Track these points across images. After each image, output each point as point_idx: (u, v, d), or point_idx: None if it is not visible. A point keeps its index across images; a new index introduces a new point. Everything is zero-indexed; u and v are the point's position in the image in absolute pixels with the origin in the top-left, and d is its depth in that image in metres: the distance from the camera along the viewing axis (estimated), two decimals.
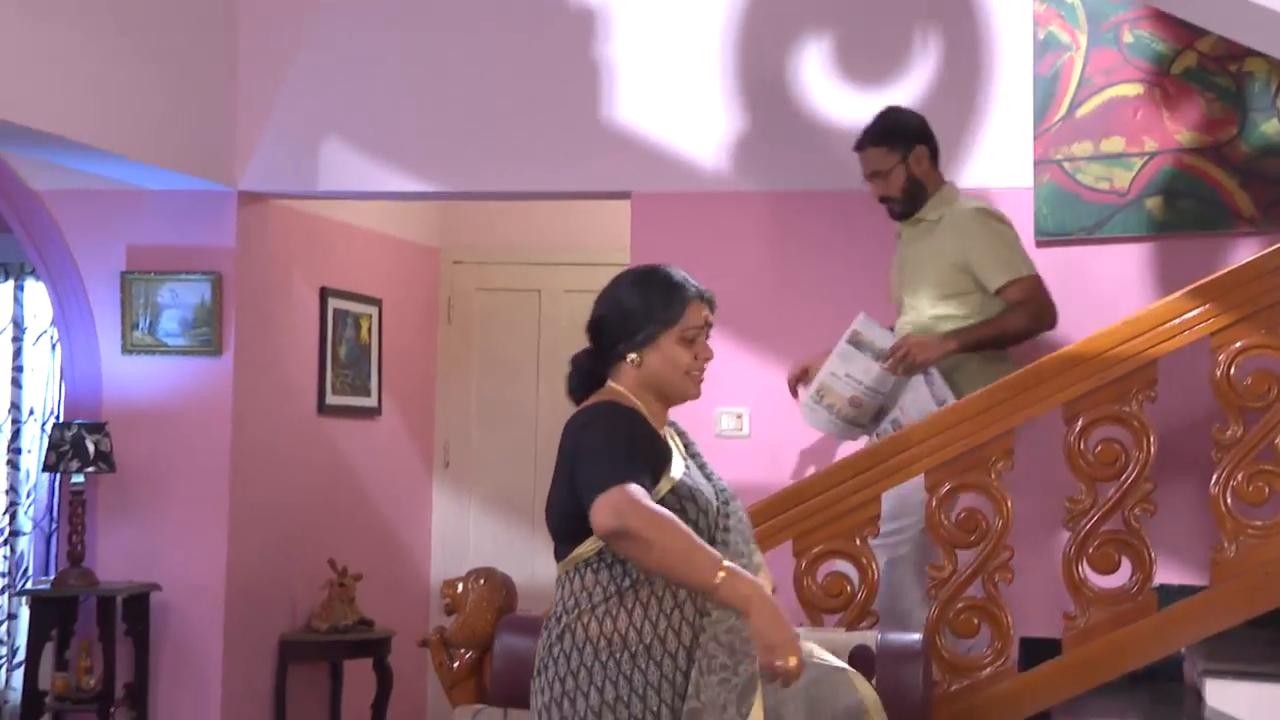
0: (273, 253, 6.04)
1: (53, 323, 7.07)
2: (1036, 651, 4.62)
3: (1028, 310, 4.70)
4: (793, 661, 2.91)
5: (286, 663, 6.07)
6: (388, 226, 6.88)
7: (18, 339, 7.40)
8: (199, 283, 5.74)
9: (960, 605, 4.40)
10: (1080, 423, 4.36)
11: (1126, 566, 4.37)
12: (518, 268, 7.38)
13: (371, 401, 6.73)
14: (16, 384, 7.43)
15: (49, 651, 5.76)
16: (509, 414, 7.30)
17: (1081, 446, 4.36)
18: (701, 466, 3.29)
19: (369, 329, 6.70)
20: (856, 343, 4.74)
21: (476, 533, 7.30)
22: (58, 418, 7.07)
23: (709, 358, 3.23)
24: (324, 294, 6.37)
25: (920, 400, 4.69)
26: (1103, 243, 5.26)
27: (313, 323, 6.32)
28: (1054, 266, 5.22)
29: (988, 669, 4.38)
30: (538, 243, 7.28)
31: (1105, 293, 5.13)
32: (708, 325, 3.21)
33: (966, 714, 4.31)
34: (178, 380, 5.77)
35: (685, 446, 3.30)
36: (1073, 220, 5.26)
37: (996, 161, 5.32)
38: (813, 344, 5.42)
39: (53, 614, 5.71)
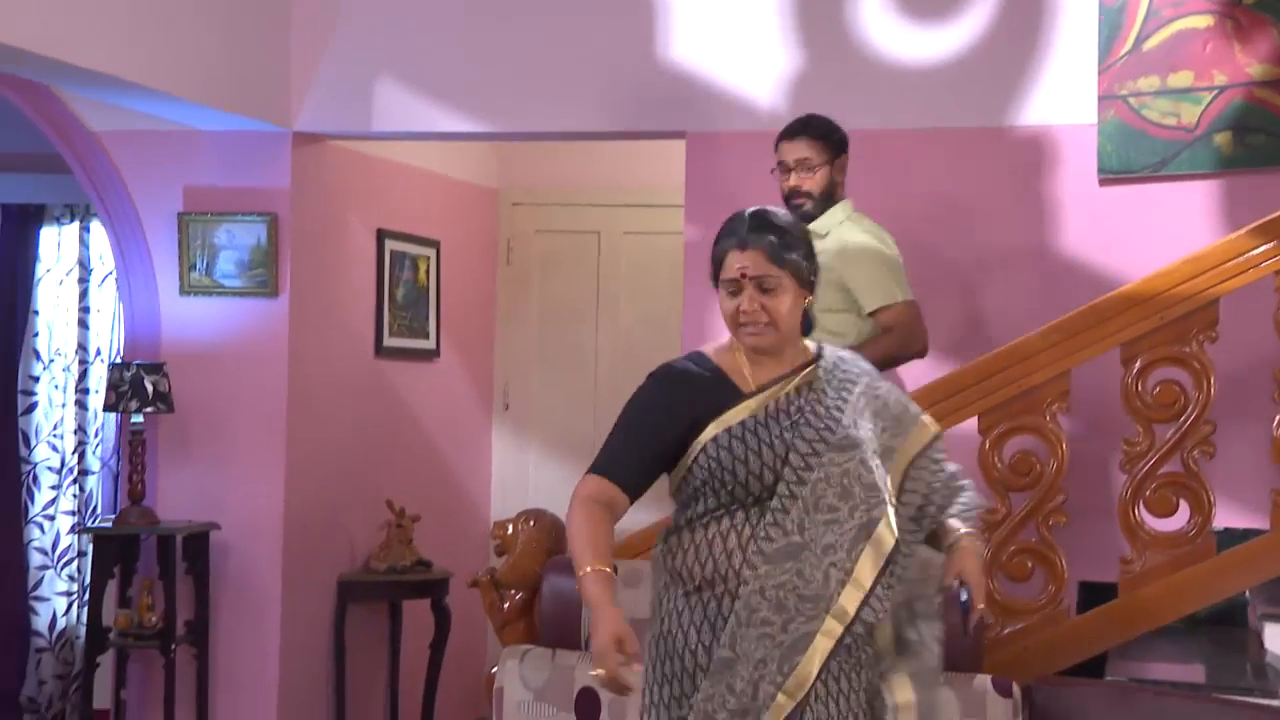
0: (328, 194, 6.05)
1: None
2: (1094, 596, 4.58)
3: (896, 337, 4.50)
4: (600, 673, 2.85)
5: (345, 603, 6.12)
6: (445, 168, 6.87)
7: (84, 280, 7.46)
8: (255, 224, 5.77)
9: (1013, 549, 4.37)
10: (1138, 364, 4.31)
11: (1185, 510, 4.33)
12: (577, 209, 7.36)
13: (429, 344, 6.75)
14: (84, 325, 7.50)
15: (112, 588, 5.84)
16: (568, 357, 7.31)
17: (1139, 388, 4.31)
18: (806, 419, 3.12)
19: (427, 271, 6.71)
20: None
21: (536, 475, 7.32)
22: (119, 358, 7.15)
23: (748, 309, 3.11)
24: (381, 236, 6.38)
25: None
26: (1168, 180, 5.15)
27: (369, 265, 6.33)
28: (1117, 206, 5.14)
29: (1042, 612, 4.35)
30: (597, 184, 7.25)
31: (1170, 232, 5.03)
32: (744, 276, 3.11)
33: (1020, 658, 4.29)
34: (235, 321, 5.81)
35: (815, 396, 3.15)
36: (1137, 158, 5.16)
37: (1059, 98, 5.22)
38: None
39: (115, 552, 5.78)
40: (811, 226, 4.51)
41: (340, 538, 6.18)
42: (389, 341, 6.44)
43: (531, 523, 4.56)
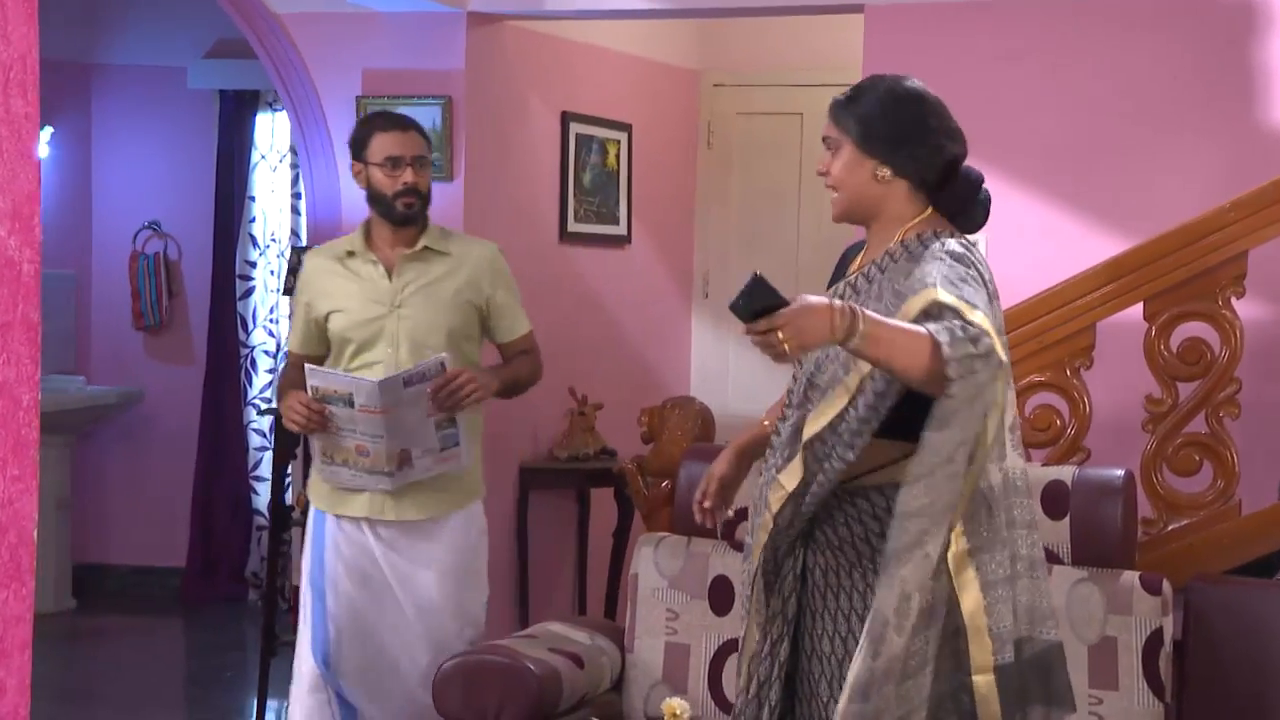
0: (507, 76, 6.07)
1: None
2: None
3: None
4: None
5: (527, 490, 6.22)
6: (639, 48, 6.83)
7: (296, 166, 7.67)
8: (430, 107, 5.83)
9: (1180, 441, 4.19)
10: None
11: None
12: (780, 90, 7.25)
13: (620, 229, 6.76)
14: (295, 211, 7.73)
15: (296, 469, 6.04)
16: (770, 242, 7.23)
17: None
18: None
19: (617, 155, 6.70)
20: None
21: (736, 364, 7.29)
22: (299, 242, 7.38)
23: (821, 172, 3.11)
24: (565, 118, 6.39)
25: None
26: None
27: (553, 148, 6.35)
28: None
29: (1209, 508, 4.17)
30: (800, 64, 7.12)
31: None
32: (825, 138, 3.10)
33: (1185, 553, 4.13)
34: None
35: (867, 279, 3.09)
36: None
37: None
38: (1052, 164, 5.20)
39: (295, 434, 5.97)
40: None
41: (523, 425, 6.25)
42: (574, 227, 6.47)
43: (678, 410, 4.56)
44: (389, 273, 4.17)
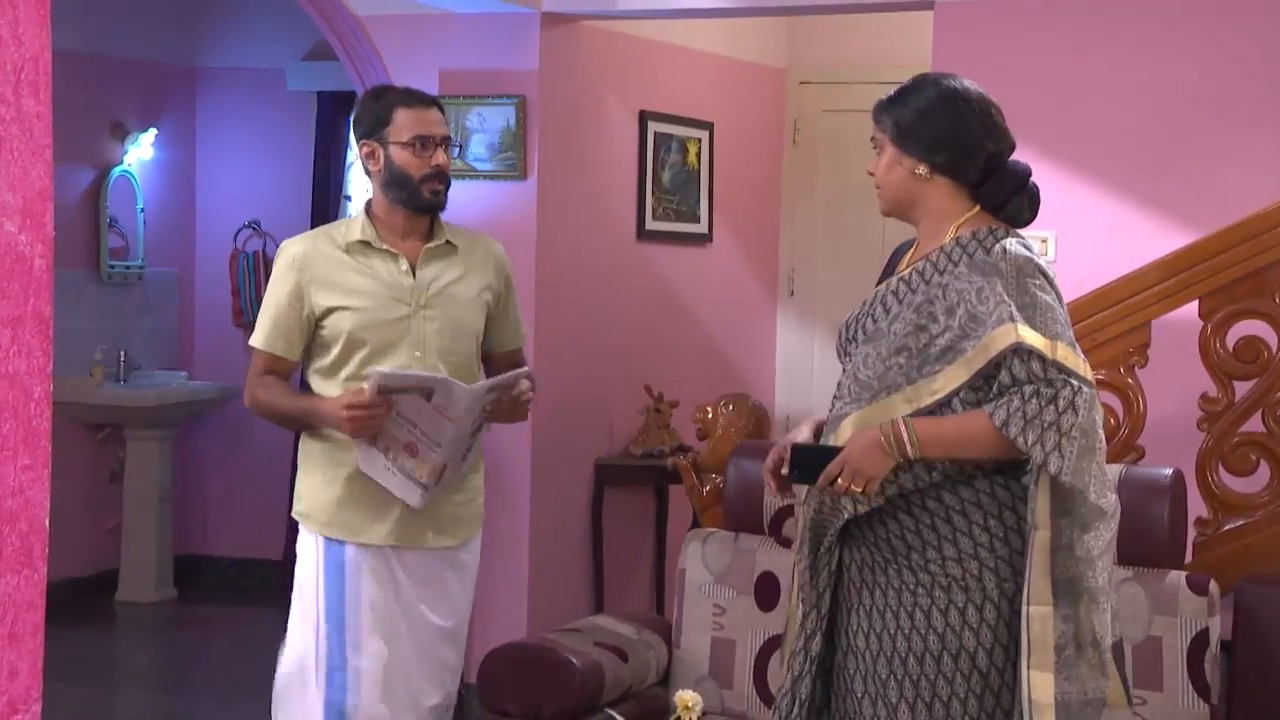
0: (583, 76, 6.14)
1: (346, 144, 7.53)
2: None
3: None
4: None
5: (602, 486, 6.28)
6: (721, 47, 6.87)
7: None
8: (504, 106, 5.91)
9: (1236, 440, 4.14)
10: None
11: None
12: (866, 87, 7.16)
13: (701, 228, 6.79)
14: None
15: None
16: (855, 239, 7.22)
17: None
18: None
19: (698, 154, 6.74)
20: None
21: (821, 362, 7.30)
22: None
23: (871, 172, 3.17)
24: (643, 118, 6.44)
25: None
26: None
27: (630, 147, 6.40)
28: None
29: (1266, 509, 4.11)
30: (886, 61, 7.09)
31: None
32: (872, 139, 3.16)
33: (1241, 555, 4.09)
34: (485, 204, 5.97)
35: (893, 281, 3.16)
36: None
37: None
38: (1122, 158, 5.16)
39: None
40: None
41: (598, 422, 6.31)
42: (652, 225, 6.52)
43: (731, 407, 4.61)
44: (412, 268, 3.71)
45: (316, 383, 3.72)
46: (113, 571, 7.67)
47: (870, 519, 3.04)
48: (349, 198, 7.98)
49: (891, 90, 3.14)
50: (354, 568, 3.64)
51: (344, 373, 3.66)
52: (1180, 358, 4.21)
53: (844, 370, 3.13)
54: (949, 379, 2.95)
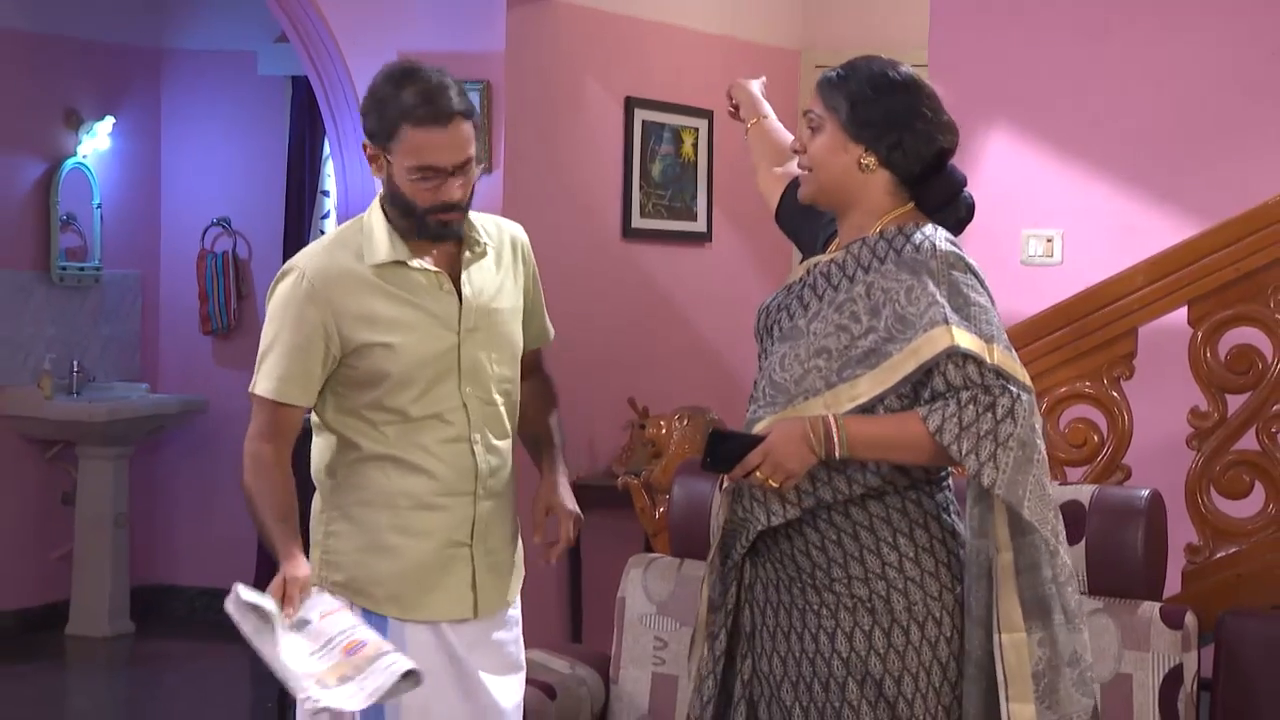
0: (556, 58, 6.24)
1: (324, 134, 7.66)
2: None
3: None
4: None
5: (581, 509, 6.34)
6: (724, 28, 6.95)
7: None
8: (467, 91, 6.03)
9: (1228, 459, 4.22)
10: None
11: None
12: None
13: (698, 226, 6.87)
14: None
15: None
16: None
17: None
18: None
19: (694, 145, 6.81)
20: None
21: None
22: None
23: (796, 149, 3.35)
24: (629, 104, 6.54)
25: None
26: None
27: (615, 137, 6.50)
28: None
29: (1259, 535, 4.19)
30: (914, 42, 7.17)
31: None
32: (808, 113, 3.30)
33: (1233, 584, 4.16)
34: None
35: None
36: None
37: None
38: (1129, 154, 5.24)
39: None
40: None
41: (578, 440, 6.38)
42: (640, 223, 6.60)
43: (686, 421, 4.70)
44: (454, 283, 3.36)
45: (330, 416, 3.42)
46: (63, 603, 7.79)
47: (776, 533, 3.14)
48: (326, 193, 8.08)
49: (837, 68, 3.24)
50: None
51: (393, 428, 3.37)
52: (1169, 369, 4.29)
53: (759, 368, 3.23)
54: (872, 384, 3.04)
